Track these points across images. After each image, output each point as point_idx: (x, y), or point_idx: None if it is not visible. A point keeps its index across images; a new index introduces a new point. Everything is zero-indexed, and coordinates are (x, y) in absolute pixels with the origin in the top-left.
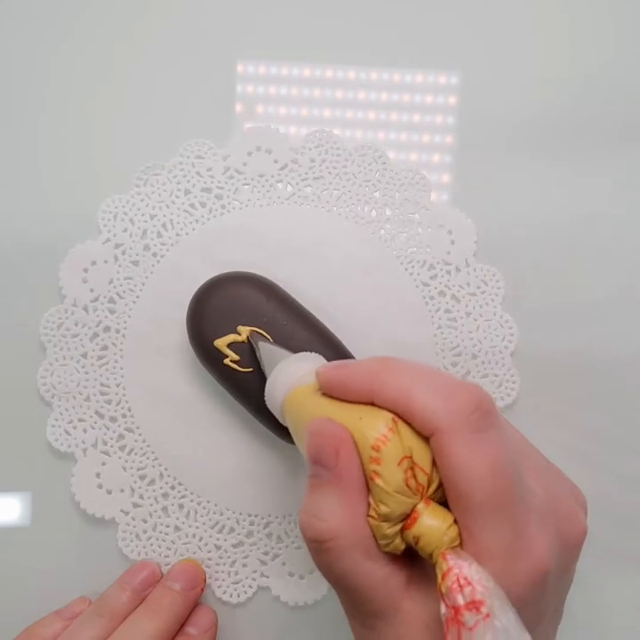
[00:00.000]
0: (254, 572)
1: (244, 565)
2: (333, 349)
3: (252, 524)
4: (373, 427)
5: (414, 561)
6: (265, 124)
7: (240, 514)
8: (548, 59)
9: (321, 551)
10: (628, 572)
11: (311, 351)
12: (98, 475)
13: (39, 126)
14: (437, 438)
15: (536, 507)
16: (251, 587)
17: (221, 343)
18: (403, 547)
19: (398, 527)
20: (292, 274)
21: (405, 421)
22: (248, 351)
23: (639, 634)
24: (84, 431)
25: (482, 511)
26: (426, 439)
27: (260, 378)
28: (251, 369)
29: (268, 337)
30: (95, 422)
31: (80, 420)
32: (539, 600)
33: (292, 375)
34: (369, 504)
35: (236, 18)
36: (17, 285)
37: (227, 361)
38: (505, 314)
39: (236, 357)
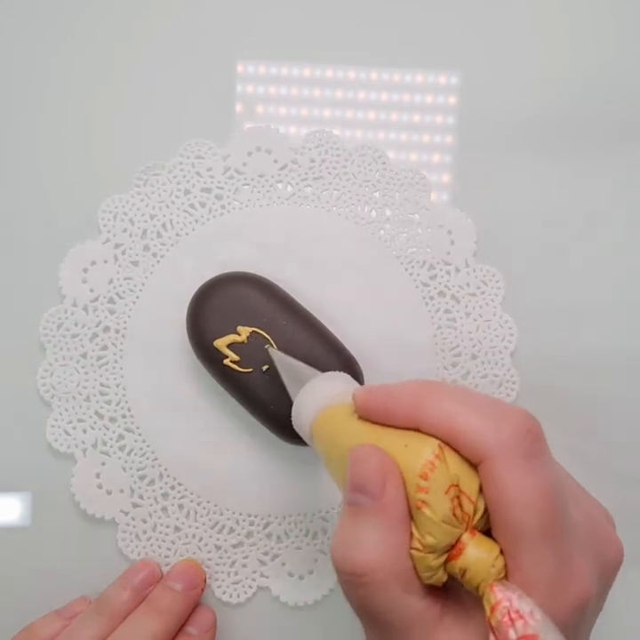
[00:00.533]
0: (254, 572)
1: (244, 566)
2: (333, 349)
3: (251, 524)
4: (420, 454)
5: (448, 591)
6: (265, 124)
7: (240, 514)
8: (548, 59)
9: (357, 585)
10: (628, 571)
11: (311, 351)
12: (98, 475)
13: (39, 126)
14: (487, 465)
15: (578, 534)
16: (250, 587)
17: (221, 343)
18: (445, 578)
19: (442, 559)
20: (291, 274)
21: (452, 447)
22: (248, 351)
23: (639, 634)
24: (84, 431)
25: (531, 540)
26: (472, 466)
27: (260, 378)
28: (250, 369)
29: (271, 339)
30: (95, 423)
31: (80, 421)
32: (578, 625)
33: (322, 394)
34: (412, 535)
35: (236, 18)
36: (17, 285)
37: (226, 361)
38: (505, 314)
39: (236, 358)
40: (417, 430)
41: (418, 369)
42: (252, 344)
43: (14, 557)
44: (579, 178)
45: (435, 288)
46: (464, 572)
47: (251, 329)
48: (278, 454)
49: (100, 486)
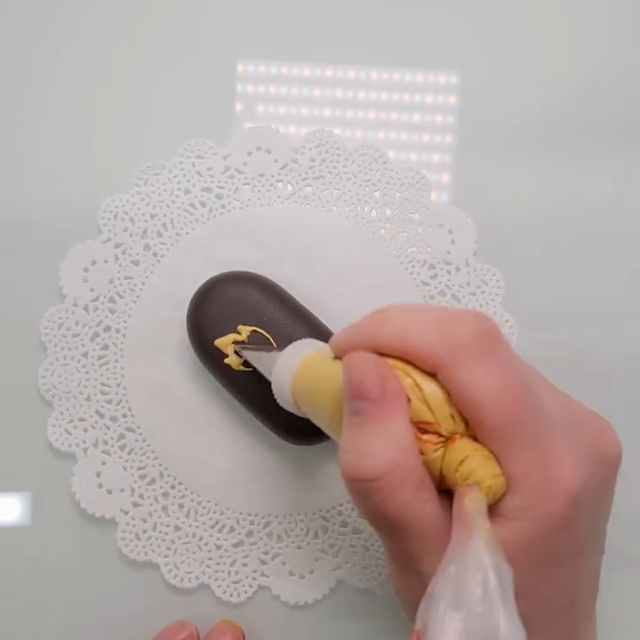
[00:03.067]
0: (254, 571)
1: (244, 565)
2: None
3: (252, 523)
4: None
5: None
6: (265, 123)
7: (240, 513)
8: (548, 59)
9: (372, 491)
10: (629, 572)
11: None
12: (98, 474)
13: (39, 126)
14: (442, 372)
15: (556, 425)
16: (251, 586)
17: (222, 343)
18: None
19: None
20: (292, 273)
21: (411, 363)
22: None
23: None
24: (85, 431)
25: (503, 433)
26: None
27: (261, 377)
28: (251, 368)
29: (271, 338)
30: (96, 422)
31: (80, 420)
32: (576, 524)
33: (292, 358)
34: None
35: (236, 18)
36: (17, 285)
37: (227, 360)
38: (505, 313)
39: (239, 361)
40: (380, 355)
41: None
42: (253, 343)
43: (14, 557)
44: (579, 178)
45: (435, 287)
46: (463, 460)
47: (251, 328)
48: (279, 453)
49: (100, 485)
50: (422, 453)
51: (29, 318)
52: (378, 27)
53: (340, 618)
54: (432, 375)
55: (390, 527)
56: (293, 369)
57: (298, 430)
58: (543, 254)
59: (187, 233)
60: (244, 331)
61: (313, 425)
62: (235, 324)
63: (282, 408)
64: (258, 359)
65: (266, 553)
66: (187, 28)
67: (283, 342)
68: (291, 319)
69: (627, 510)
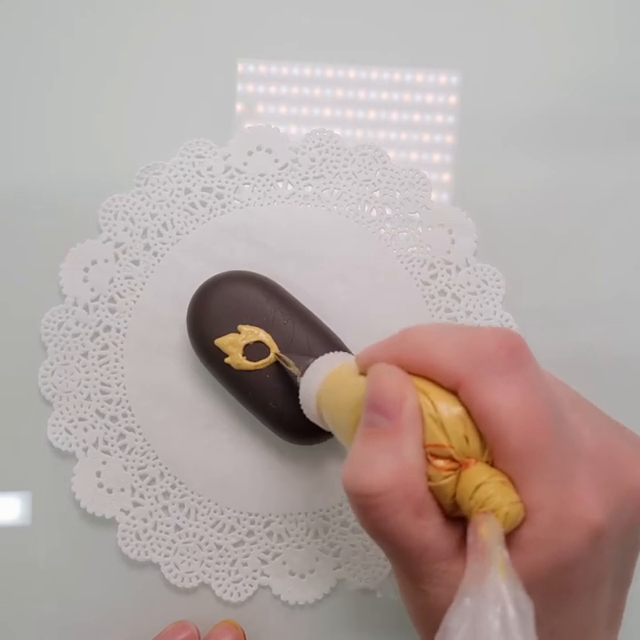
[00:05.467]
0: (255, 571)
1: (245, 564)
2: (333, 348)
3: (252, 522)
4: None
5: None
6: (265, 123)
7: (240, 513)
8: (549, 58)
9: (370, 508)
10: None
11: (312, 351)
12: (98, 474)
13: (40, 126)
14: (463, 390)
15: (585, 453)
16: (251, 586)
17: (222, 342)
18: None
19: (453, 476)
20: (292, 273)
21: (433, 380)
22: (248, 351)
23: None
24: (85, 430)
25: (522, 457)
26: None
27: (261, 377)
28: (251, 368)
29: (271, 338)
30: (96, 421)
31: (81, 420)
32: (596, 559)
33: (323, 368)
34: (425, 452)
35: (237, 18)
36: (18, 285)
37: (227, 360)
38: (505, 313)
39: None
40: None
41: None
42: (253, 343)
43: (14, 557)
44: (579, 177)
45: (435, 287)
46: (478, 487)
47: (251, 328)
48: (279, 453)
49: (100, 485)
50: (431, 479)
51: (29, 318)
52: (378, 27)
53: (341, 617)
54: (454, 393)
55: (386, 546)
56: (320, 381)
57: (298, 430)
58: (543, 254)
59: (187, 232)
60: (244, 330)
61: (313, 425)
62: (235, 324)
63: (282, 407)
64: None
65: (266, 552)
66: (187, 29)
67: (283, 342)
68: (291, 319)
69: None
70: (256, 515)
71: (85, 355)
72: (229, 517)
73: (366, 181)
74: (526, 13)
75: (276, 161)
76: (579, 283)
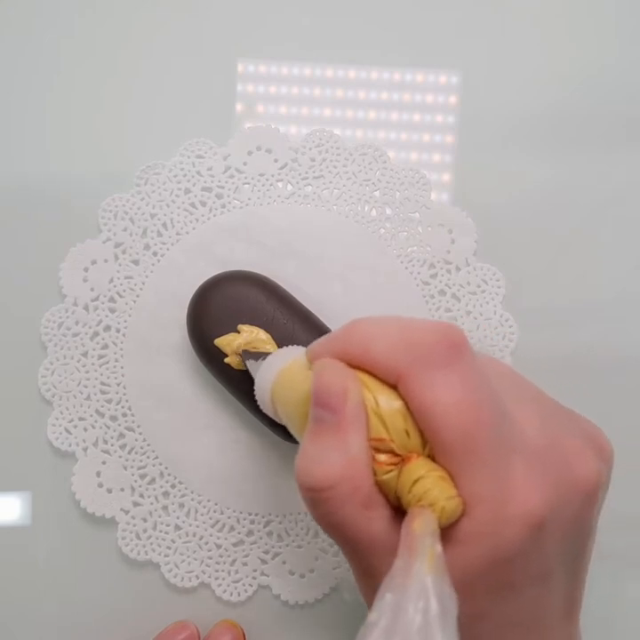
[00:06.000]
0: (254, 570)
1: (245, 564)
2: None
3: (252, 522)
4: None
5: None
6: (265, 123)
7: (240, 512)
8: (548, 58)
9: (319, 501)
10: (629, 574)
11: None
12: (98, 474)
13: (40, 126)
14: (402, 385)
15: (524, 446)
16: (251, 585)
17: (222, 342)
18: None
19: (396, 468)
20: (292, 273)
21: (373, 374)
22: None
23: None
24: (85, 430)
25: (459, 451)
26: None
27: None
28: None
29: (271, 338)
30: (96, 421)
31: (80, 419)
32: (537, 551)
33: (275, 364)
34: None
35: (237, 18)
36: (17, 285)
37: (227, 360)
38: (505, 313)
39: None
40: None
41: None
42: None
43: (14, 557)
44: (579, 177)
45: (435, 287)
46: (417, 480)
47: (251, 328)
48: (279, 452)
49: (100, 485)
50: (375, 473)
51: (29, 318)
52: (378, 27)
53: (341, 617)
54: (394, 387)
55: (336, 538)
56: (273, 375)
57: None
58: (543, 254)
59: (187, 232)
60: (245, 330)
61: None
62: (235, 324)
63: None
64: (254, 367)
65: (266, 552)
66: (187, 29)
67: (283, 342)
68: (291, 319)
69: (627, 510)
70: (256, 514)
71: (85, 354)
72: (229, 517)
73: (366, 181)
74: (526, 13)
75: (276, 161)
76: (579, 283)
